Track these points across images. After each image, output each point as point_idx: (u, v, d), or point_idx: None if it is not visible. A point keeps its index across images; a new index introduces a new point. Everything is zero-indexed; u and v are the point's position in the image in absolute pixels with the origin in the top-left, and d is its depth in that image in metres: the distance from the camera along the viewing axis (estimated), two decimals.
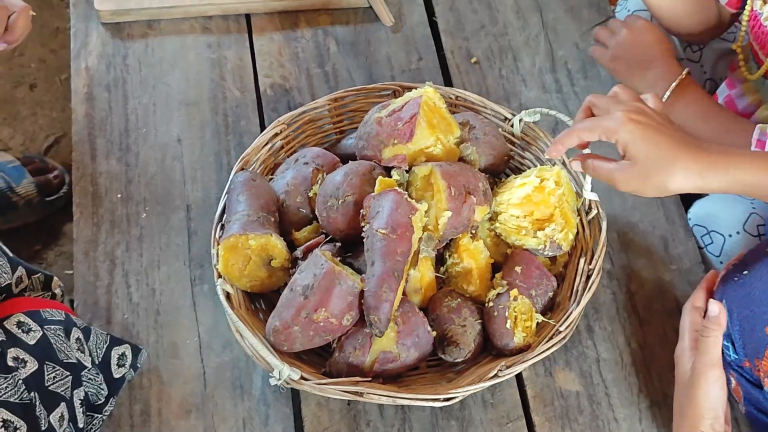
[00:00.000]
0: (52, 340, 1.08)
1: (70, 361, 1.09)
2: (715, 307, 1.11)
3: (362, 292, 1.13)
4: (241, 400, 1.23)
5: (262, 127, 1.46)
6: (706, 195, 1.44)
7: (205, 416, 1.22)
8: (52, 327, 1.09)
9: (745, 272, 1.14)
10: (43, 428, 1.02)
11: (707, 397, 1.09)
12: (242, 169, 1.29)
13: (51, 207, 1.82)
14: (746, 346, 1.12)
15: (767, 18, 1.30)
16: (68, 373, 1.08)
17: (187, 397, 1.23)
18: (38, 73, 2.10)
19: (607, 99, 1.13)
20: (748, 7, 1.34)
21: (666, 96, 1.36)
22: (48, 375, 1.05)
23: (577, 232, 1.26)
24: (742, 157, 1.08)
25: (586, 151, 1.18)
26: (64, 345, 1.09)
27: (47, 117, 2.03)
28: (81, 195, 1.40)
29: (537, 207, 1.22)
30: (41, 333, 1.07)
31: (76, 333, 1.13)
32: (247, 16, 1.59)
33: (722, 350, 1.16)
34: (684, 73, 1.38)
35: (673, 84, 1.37)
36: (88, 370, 1.13)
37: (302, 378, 1.10)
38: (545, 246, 1.22)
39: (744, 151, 1.12)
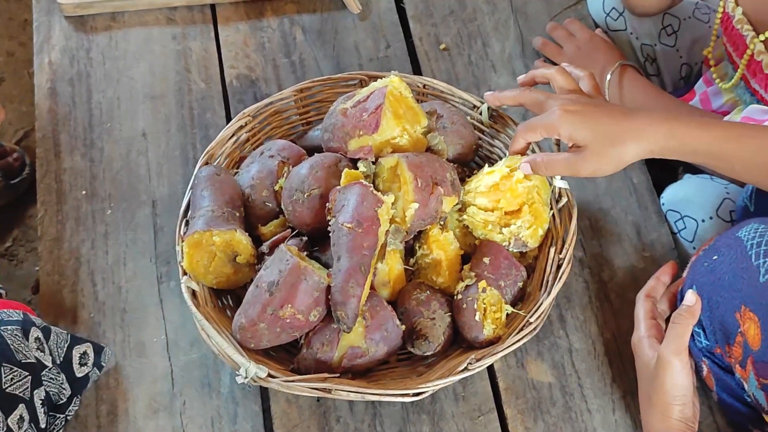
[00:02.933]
0: (9, 341, 1.06)
1: (29, 361, 1.08)
2: (692, 297, 1.11)
3: (329, 287, 1.11)
4: (209, 399, 1.22)
5: (228, 119, 1.44)
6: (679, 179, 1.43)
7: (173, 416, 1.20)
8: (10, 327, 1.07)
9: (715, 257, 1.12)
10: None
11: (675, 386, 1.08)
12: (207, 163, 1.27)
13: (16, 190, 1.80)
14: (717, 332, 1.11)
15: (739, 21, 1.29)
16: (27, 374, 1.07)
17: (155, 396, 1.22)
18: (6, 67, 2.08)
19: (538, 95, 1.18)
20: (720, 9, 1.33)
21: (606, 82, 1.44)
22: (5, 377, 1.04)
23: None
24: (688, 122, 1.11)
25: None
26: (22, 345, 1.07)
27: (16, 111, 2.01)
28: (45, 192, 1.38)
29: (504, 195, 1.20)
30: None
31: (35, 332, 1.11)
32: (212, 6, 1.56)
33: (693, 336, 1.16)
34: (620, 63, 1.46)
35: (608, 74, 1.45)
36: (49, 369, 1.11)
37: (269, 376, 1.08)
38: (510, 243, 1.20)
39: (691, 117, 1.15)
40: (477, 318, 1.15)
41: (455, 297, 1.19)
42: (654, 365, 1.11)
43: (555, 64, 1.50)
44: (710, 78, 1.42)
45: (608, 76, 1.44)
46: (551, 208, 1.24)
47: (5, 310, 1.10)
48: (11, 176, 1.79)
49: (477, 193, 1.21)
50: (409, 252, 1.25)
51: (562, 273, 1.18)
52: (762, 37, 1.26)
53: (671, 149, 1.10)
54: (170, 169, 1.40)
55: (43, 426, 1.09)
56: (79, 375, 1.17)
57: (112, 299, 1.29)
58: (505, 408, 1.22)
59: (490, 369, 1.25)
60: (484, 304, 1.16)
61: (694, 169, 1.43)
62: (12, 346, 1.06)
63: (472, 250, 1.24)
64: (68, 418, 1.17)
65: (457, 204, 1.23)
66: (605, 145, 1.09)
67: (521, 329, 1.15)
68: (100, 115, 1.45)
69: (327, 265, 1.16)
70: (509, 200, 1.20)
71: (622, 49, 1.56)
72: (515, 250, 1.22)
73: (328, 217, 1.15)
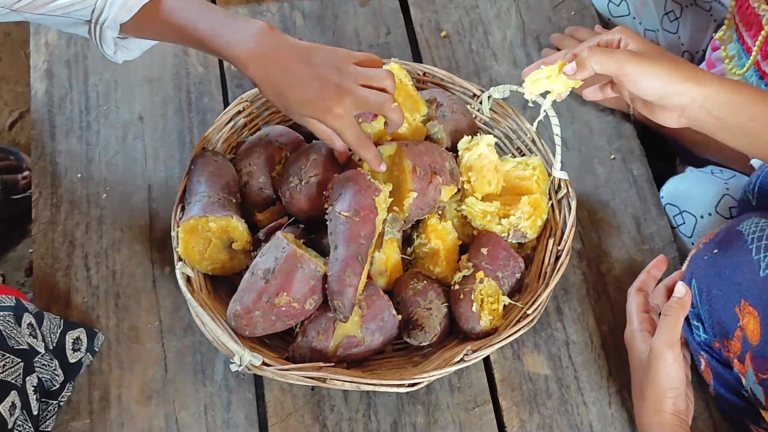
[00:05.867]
0: (1, 327, 1.05)
1: (22, 347, 1.07)
2: (682, 289, 1.11)
3: (325, 275, 1.10)
4: (202, 386, 1.21)
5: (226, 104, 1.43)
6: (680, 173, 1.42)
7: (166, 402, 1.19)
8: (2, 314, 1.06)
9: (716, 251, 1.12)
10: None
11: (668, 379, 1.08)
12: (204, 148, 1.25)
13: (15, 207, 1.75)
14: (715, 326, 1.10)
15: None
16: (19, 360, 1.05)
17: (148, 382, 1.21)
18: (2, 47, 2.06)
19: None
20: None
21: None
22: None
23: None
24: (719, 78, 1.05)
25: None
26: (15, 331, 1.06)
27: (12, 92, 1.99)
28: (40, 175, 1.36)
29: (508, 180, 1.20)
30: None
31: (27, 318, 1.10)
32: None
33: (692, 330, 1.15)
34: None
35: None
36: (42, 355, 1.10)
37: (264, 364, 1.07)
38: (509, 234, 1.20)
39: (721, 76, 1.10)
40: (474, 309, 1.14)
41: (452, 287, 1.18)
42: (646, 358, 1.10)
43: None
44: (714, 61, 1.40)
45: None
46: (550, 199, 1.23)
47: None
48: (14, 192, 1.75)
49: (487, 148, 1.21)
50: (406, 241, 1.24)
51: (560, 265, 1.18)
52: None
53: (695, 101, 1.04)
54: (166, 154, 1.38)
55: (35, 413, 1.08)
56: (72, 361, 1.16)
57: (106, 284, 1.27)
58: (500, 400, 1.21)
59: (486, 360, 1.24)
60: (482, 295, 1.15)
61: (694, 162, 1.42)
62: (4, 333, 1.05)
63: (471, 241, 1.23)
64: (61, 404, 1.16)
65: (455, 194, 1.22)
66: (655, 57, 1.04)
67: (518, 321, 1.15)
68: (96, 97, 1.43)
69: (323, 253, 1.15)
70: (507, 188, 1.19)
71: None
72: (514, 241, 1.21)
73: (326, 205, 1.15)
